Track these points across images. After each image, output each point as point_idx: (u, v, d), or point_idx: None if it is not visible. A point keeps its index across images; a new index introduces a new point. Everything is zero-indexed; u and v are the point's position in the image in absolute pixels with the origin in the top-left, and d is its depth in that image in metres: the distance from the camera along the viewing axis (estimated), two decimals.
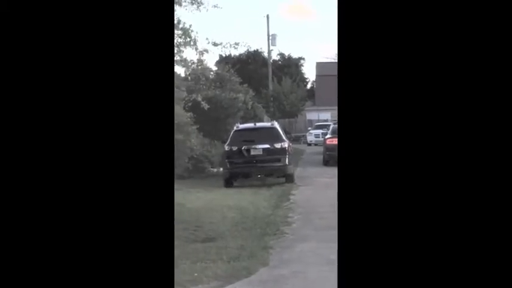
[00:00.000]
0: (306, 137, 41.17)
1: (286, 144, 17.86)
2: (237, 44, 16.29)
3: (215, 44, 15.53)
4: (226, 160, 17.74)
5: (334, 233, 8.85)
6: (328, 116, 48.74)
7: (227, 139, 18.32)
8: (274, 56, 55.13)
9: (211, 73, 27.22)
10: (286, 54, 58.04)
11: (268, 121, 25.03)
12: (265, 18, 49.65)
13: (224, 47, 16.01)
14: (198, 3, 12.29)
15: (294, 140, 36.17)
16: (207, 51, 13.43)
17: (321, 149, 26.63)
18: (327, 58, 75.93)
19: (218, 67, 31.02)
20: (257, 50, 54.82)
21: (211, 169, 21.48)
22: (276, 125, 19.16)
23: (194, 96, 17.12)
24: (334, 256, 7.84)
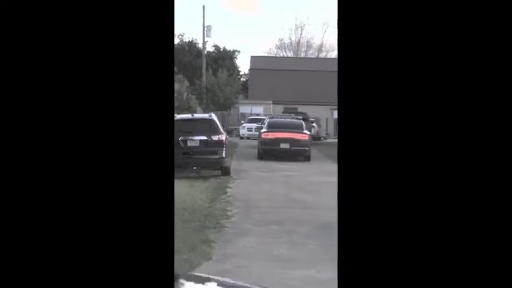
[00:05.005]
0: (238, 130, 41.32)
1: (223, 137, 17.74)
2: None
3: None
4: None
5: (275, 229, 8.93)
6: (261, 110, 48.98)
7: None
8: (209, 48, 54.95)
9: None
10: (222, 46, 57.91)
11: (201, 113, 24.85)
12: (202, 8, 49.46)
13: None
14: None
15: (227, 132, 36.30)
16: None
17: (254, 142, 26.71)
18: (263, 52, 76.42)
19: None
20: (191, 40, 54.53)
21: None
22: (214, 117, 18.99)
23: None
24: (277, 252, 7.90)
